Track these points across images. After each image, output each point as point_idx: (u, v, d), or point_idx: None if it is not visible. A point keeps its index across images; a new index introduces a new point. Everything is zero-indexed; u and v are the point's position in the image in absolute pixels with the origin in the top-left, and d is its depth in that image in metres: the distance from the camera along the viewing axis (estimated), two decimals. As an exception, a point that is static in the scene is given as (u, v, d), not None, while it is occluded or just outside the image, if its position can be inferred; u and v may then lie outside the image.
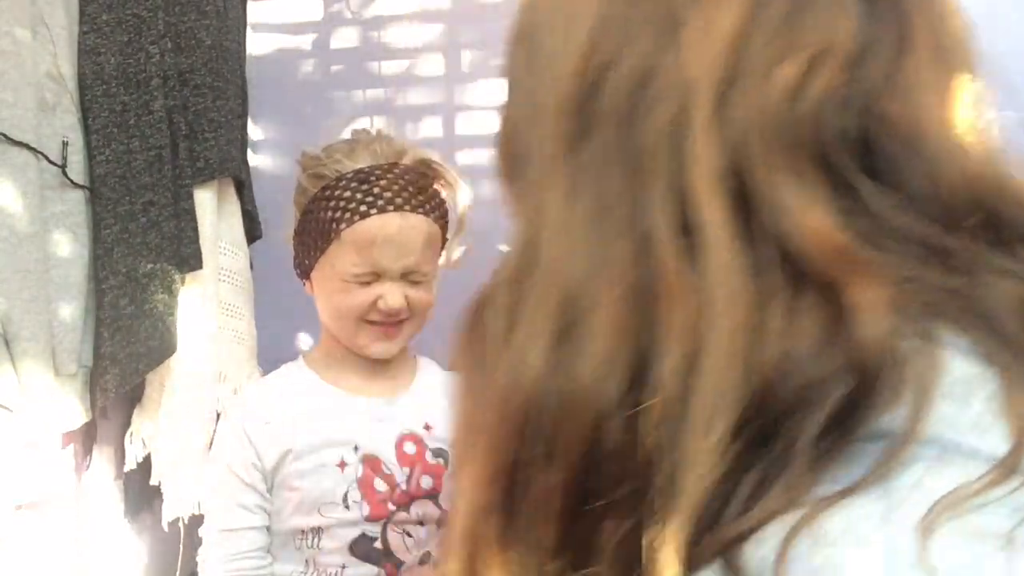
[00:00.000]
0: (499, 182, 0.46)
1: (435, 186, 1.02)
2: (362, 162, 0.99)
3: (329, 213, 0.98)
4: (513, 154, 0.43)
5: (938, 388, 0.32)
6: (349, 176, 0.98)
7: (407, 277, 0.99)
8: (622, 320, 0.36)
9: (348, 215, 0.97)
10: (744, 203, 0.35)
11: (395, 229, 0.97)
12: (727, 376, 0.33)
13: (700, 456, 0.33)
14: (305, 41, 1.57)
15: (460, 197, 1.04)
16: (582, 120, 0.38)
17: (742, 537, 0.31)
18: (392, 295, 0.98)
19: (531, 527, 0.37)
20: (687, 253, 0.35)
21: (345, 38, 1.56)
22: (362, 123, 1.54)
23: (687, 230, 0.35)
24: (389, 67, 1.55)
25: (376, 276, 0.98)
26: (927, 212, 0.35)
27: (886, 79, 0.36)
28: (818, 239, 0.34)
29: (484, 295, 0.42)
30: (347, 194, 0.98)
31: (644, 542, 0.33)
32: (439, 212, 1.02)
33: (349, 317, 1.01)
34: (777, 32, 0.36)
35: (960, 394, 0.32)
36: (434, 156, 1.06)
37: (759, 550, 0.31)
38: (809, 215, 0.34)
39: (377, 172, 0.98)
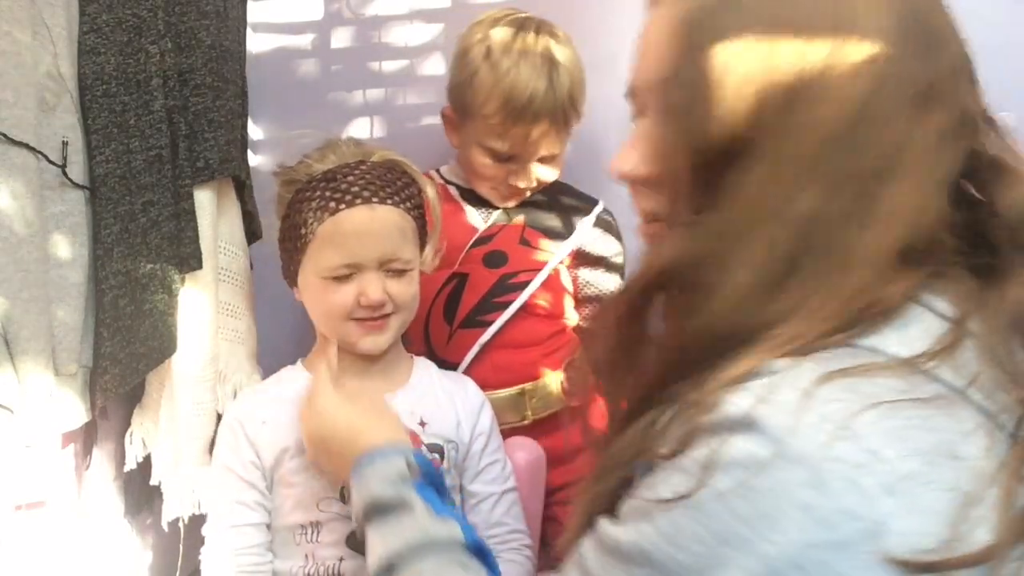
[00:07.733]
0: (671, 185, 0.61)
1: (402, 181, 1.05)
2: (331, 164, 1.03)
3: (302, 215, 1.02)
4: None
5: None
6: (318, 178, 1.03)
7: (386, 268, 1.03)
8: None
9: (319, 214, 1.01)
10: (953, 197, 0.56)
11: (364, 219, 1.01)
12: None
13: None
14: (305, 41, 1.57)
15: (428, 192, 1.09)
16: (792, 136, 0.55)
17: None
18: (372, 287, 1.01)
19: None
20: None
21: (345, 38, 1.56)
22: (362, 123, 1.55)
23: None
24: (389, 67, 1.55)
25: (355, 270, 1.02)
26: (1008, 221, 0.56)
27: (993, 130, 0.59)
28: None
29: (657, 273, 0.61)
30: (317, 194, 1.02)
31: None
32: (410, 204, 1.05)
33: (335, 316, 1.04)
34: (947, 97, 0.56)
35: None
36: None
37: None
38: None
39: (344, 170, 1.02)
